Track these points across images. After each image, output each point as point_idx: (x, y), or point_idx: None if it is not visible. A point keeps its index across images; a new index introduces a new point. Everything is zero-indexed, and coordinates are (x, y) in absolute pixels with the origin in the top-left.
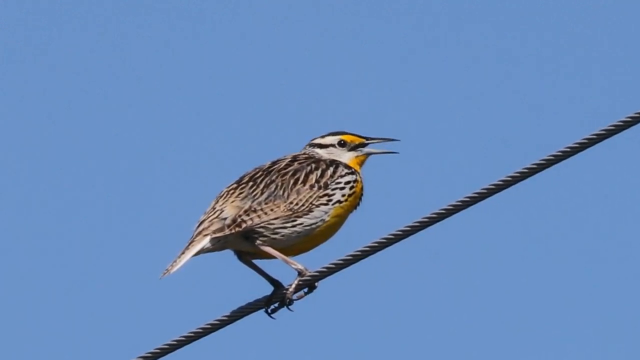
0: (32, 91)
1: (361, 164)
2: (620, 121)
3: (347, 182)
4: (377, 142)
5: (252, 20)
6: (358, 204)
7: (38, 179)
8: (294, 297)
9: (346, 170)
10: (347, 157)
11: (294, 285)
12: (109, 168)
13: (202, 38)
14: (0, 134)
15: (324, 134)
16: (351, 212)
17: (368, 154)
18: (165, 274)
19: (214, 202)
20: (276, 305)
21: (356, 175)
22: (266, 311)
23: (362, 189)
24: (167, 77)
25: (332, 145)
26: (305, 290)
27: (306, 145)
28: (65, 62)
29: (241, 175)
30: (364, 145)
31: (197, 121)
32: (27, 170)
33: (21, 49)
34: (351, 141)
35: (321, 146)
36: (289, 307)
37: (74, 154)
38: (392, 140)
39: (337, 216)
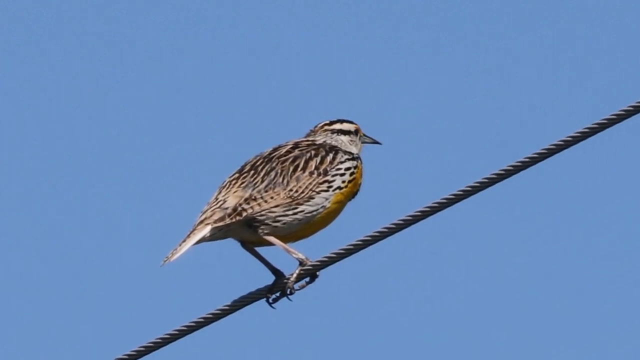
0: (32, 91)
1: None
2: (614, 114)
3: (347, 168)
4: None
5: (250, 19)
6: (357, 192)
7: (37, 174)
8: (296, 286)
9: (346, 157)
10: (358, 147)
11: (295, 275)
12: (110, 160)
13: (201, 35)
14: None
15: (340, 119)
16: (350, 199)
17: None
18: (165, 261)
19: (216, 193)
20: (277, 294)
21: (357, 162)
22: (267, 301)
23: (361, 175)
24: (166, 75)
25: (353, 133)
26: (307, 279)
27: (319, 130)
28: (65, 62)
29: (242, 164)
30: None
31: (196, 116)
32: (26, 166)
33: (21, 49)
34: (356, 130)
35: (343, 132)
36: (289, 296)
37: (72, 147)
38: (375, 142)
39: (338, 202)
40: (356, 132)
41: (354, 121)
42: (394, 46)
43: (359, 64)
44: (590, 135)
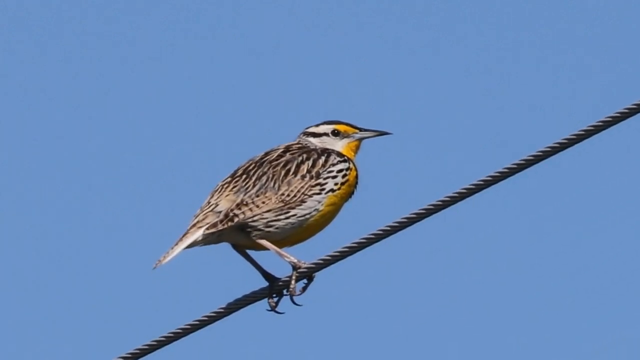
0: (32, 91)
1: (355, 150)
2: (609, 117)
3: (340, 170)
4: (370, 135)
5: (250, 19)
6: (353, 192)
7: (37, 174)
8: (297, 291)
9: (338, 159)
10: (340, 145)
11: (293, 279)
12: (103, 163)
13: (201, 35)
14: None
15: (318, 123)
16: (346, 200)
17: (361, 139)
18: (157, 264)
19: (209, 197)
20: (276, 299)
21: (349, 163)
22: (273, 309)
23: (356, 177)
24: (166, 75)
25: (325, 134)
26: (305, 282)
27: (300, 134)
28: (65, 62)
29: (235, 168)
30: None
31: (192, 115)
32: (26, 166)
33: (21, 49)
34: (345, 131)
35: (314, 135)
36: (295, 302)
37: (73, 147)
38: (385, 133)
39: (332, 205)
40: (335, 132)
41: (341, 121)
42: (394, 46)
43: (359, 64)
44: (590, 135)
